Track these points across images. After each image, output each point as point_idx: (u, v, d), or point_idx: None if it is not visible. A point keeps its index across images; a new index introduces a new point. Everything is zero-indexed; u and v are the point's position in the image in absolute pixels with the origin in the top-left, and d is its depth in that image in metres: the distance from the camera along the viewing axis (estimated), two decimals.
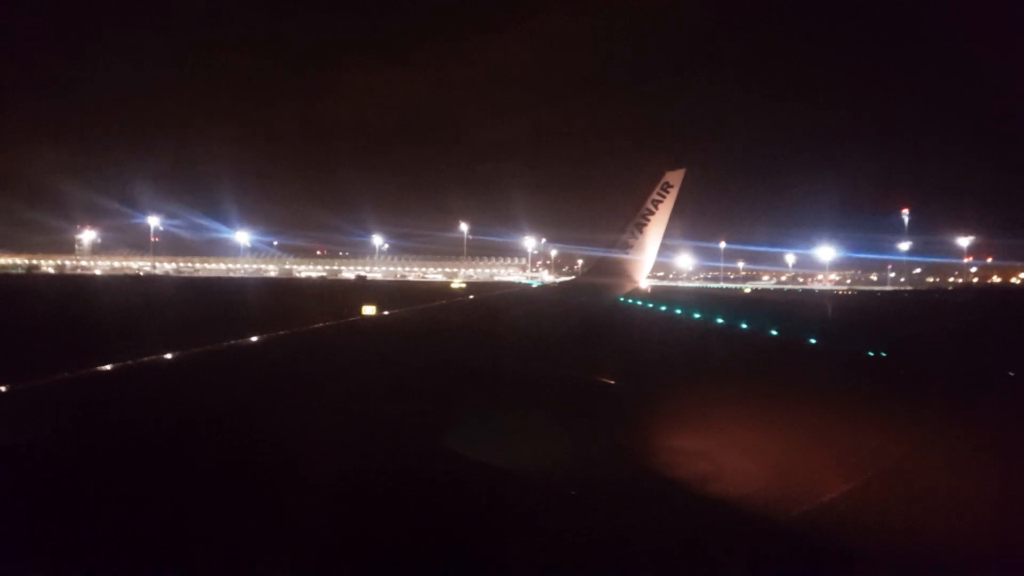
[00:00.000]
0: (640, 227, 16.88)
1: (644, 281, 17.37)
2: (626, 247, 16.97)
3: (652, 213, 16.77)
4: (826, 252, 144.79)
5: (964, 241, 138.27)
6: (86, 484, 2.55)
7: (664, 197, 16.69)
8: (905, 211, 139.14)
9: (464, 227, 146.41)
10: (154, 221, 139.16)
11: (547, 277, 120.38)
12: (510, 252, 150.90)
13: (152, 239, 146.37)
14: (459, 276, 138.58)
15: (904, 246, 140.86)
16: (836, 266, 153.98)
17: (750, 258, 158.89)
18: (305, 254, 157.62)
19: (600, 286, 16.30)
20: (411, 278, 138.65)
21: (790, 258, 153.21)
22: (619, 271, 16.92)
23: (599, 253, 18.58)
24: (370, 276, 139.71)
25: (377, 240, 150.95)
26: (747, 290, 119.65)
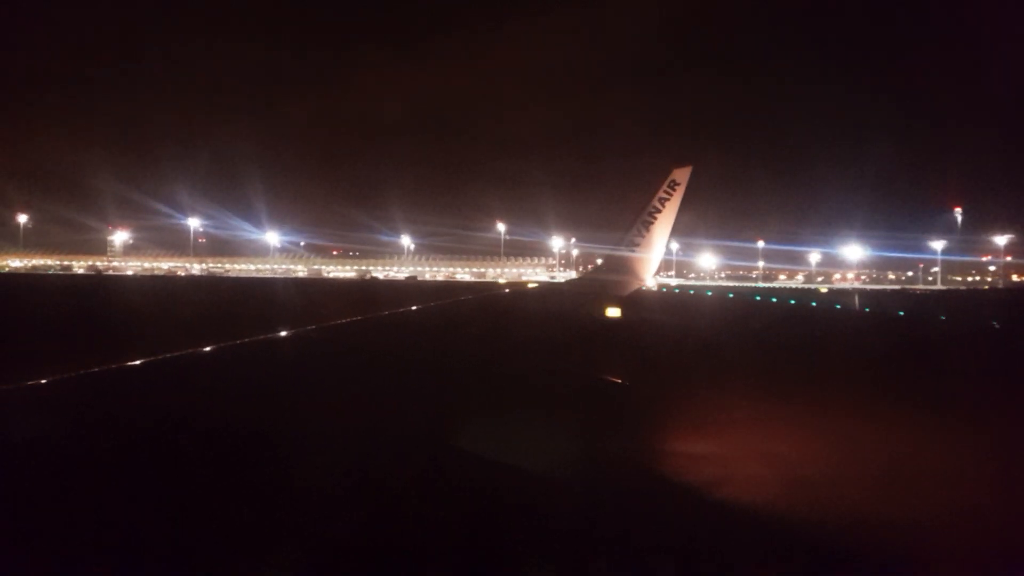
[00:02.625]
0: (647, 225, 16.86)
1: (651, 279, 17.48)
2: (633, 245, 16.99)
3: (659, 211, 16.75)
4: (853, 251, 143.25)
5: (979, 240, 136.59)
6: (93, 483, 2.55)
7: (671, 195, 16.67)
8: (957, 210, 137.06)
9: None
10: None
11: (573, 276, 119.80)
12: (535, 251, 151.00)
13: (200, 239, 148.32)
14: (487, 275, 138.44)
15: (937, 245, 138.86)
16: (852, 266, 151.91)
17: (768, 257, 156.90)
18: (321, 253, 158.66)
19: (606, 283, 16.28)
20: (440, 278, 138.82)
21: (811, 257, 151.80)
22: (626, 269, 16.92)
23: (610, 251, 18.70)
24: (400, 276, 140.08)
25: (405, 240, 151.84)
26: (823, 290, 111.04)
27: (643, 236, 16.97)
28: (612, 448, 4.32)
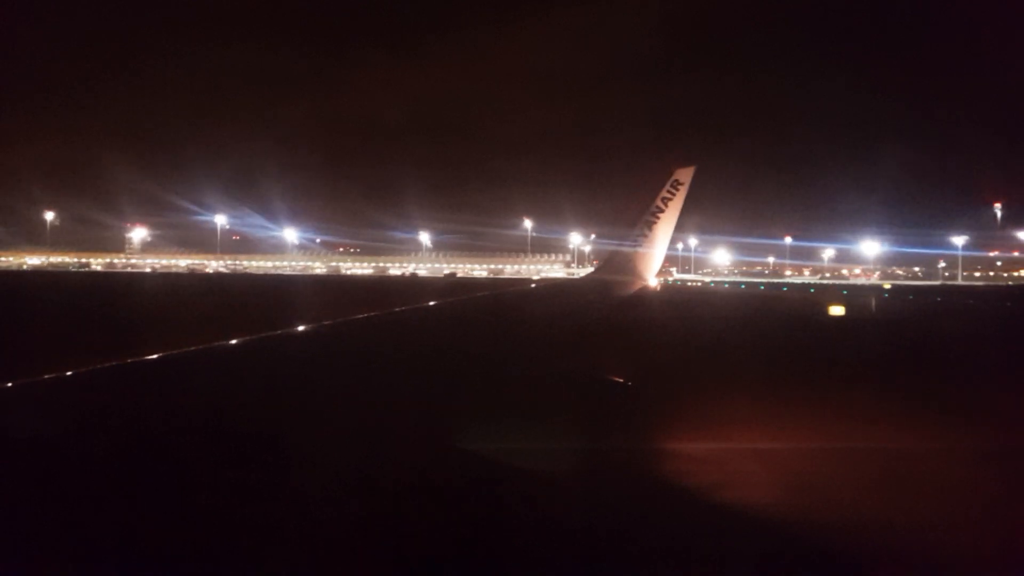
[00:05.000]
0: (650, 225, 16.53)
1: (653, 279, 17.08)
2: (635, 244, 16.77)
3: (662, 211, 16.52)
4: (867, 247, 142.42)
5: (990, 236, 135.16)
6: (97, 481, 2.53)
7: (674, 195, 16.49)
8: (997, 206, 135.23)
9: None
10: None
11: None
12: (551, 247, 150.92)
13: (228, 237, 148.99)
14: (505, 272, 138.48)
15: (958, 240, 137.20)
16: (863, 261, 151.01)
17: (779, 253, 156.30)
18: (337, 250, 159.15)
19: (609, 283, 15.90)
20: (459, 275, 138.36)
21: (822, 253, 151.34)
22: (628, 268, 16.63)
23: (614, 249, 18.24)
24: (421, 272, 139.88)
25: (424, 237, 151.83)
26: (887, 285, 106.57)
27: (645, 236, 16.75)
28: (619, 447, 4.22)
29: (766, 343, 21.81)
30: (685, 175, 16.40)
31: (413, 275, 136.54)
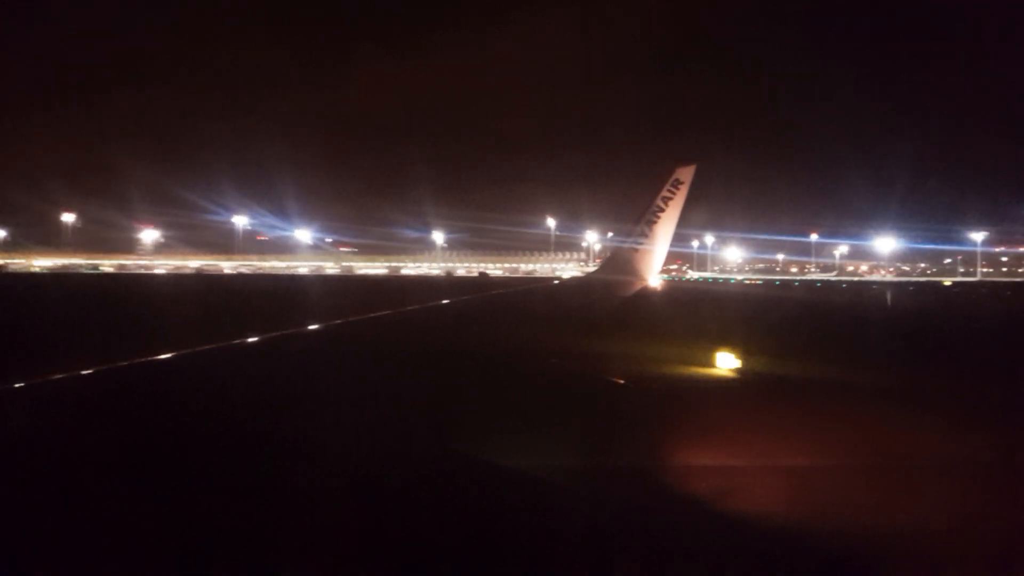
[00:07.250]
0: (650, 224, 16.59)
1: (654, 279, 17.28)
2: (636, 244, 16.98)
3: (662, 210, 16.58)
4: (881, 244, 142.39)
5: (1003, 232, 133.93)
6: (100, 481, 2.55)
7: (674, 194, 16.55)
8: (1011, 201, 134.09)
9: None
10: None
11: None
12: (563, 246, 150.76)
13: (258, 238, 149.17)
14: (520, 271, 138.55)
15: (977, 236, 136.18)
16: (871, 258, 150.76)
17: (786, 250, 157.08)
18: (348, 249, 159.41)
19: (609, 283, 16.34)
20: (474, 274, 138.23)
21: (833, 251, 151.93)
22: (628, 268, 16.75)
23: (615, 248, 18.86)
24: (434, 272, 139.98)
25: (438, 236, 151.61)
26: (948, 282, 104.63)
27: (645, 235, 16.94)
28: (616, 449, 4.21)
29: None
30: (686, 174, 16.41)
31: (446, 274, 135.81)
